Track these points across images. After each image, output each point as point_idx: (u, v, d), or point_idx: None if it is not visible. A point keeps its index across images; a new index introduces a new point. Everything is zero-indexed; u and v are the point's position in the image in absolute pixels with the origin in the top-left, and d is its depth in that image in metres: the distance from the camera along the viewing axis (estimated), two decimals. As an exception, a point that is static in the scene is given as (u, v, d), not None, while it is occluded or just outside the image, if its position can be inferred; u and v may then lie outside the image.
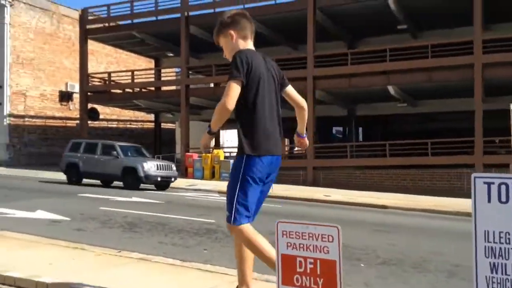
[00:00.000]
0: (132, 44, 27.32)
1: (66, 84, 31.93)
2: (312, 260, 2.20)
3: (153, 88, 26.27)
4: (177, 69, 37.01)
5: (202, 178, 21.81)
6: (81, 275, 4.50)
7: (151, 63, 36.94)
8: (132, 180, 17.54)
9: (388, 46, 18.73)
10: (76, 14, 33.01)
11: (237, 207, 2.98)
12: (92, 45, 29.39)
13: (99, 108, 29.59)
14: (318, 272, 2.19)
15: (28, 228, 8.53)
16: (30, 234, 7.94)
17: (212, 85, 23.63)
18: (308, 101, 20.09)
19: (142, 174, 17.36)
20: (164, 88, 27.29)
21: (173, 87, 25.88)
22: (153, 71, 27.98)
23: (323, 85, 20.18)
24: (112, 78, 27.11)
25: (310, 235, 2.20)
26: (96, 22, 26.12)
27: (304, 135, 3.51)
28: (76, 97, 31.17)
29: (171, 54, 27.69)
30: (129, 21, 24.54)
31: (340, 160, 18.36)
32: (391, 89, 19.08)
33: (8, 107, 28.96)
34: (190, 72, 23.40)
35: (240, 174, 3.00)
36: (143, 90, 26.46)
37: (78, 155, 19.08)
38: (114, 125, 35.79)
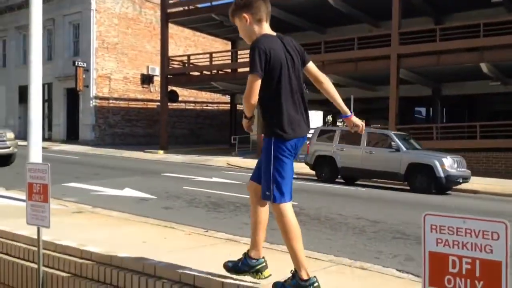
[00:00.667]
0: (210, 27, 27.52)
1: (147, 67, 32.96)
2: (469, 260, 1.95)
3: (229, 70, 26.40)
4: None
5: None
6: (176, 255, 4.45)
7: (227, 45, 37.22)
8: (425, 181, 13.38)
9: (482, 21, 17.35)
10: (156, -1, 33.88)
11: (275, 186, 3.07)
12: (171, 28, 29.99)
13: (177, 90, 30.30)
14: (477, 274, 1.93)
15: (119, 205, 8.84)
16: (122, 212, 8.24)
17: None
18: (391, 80, 19.52)
19: (441, 174, 13.10)
20: (240, 69, 27.32)
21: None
22: (229, 53, 28.11)
23: (408, 63, 19.18)
24: (191, 61, 27.54)
25: (468, 231, 1.95)
26: (176, 6, 26.52)
27: (349, 113, 3.47)
28: (157, 79, 32.13)
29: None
30: (208, 4, 24.66)
31: (426, 142, 17.40)
32: (483, 66, 17.74)
33: (94, 90, 30.41)
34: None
35: (272, 155, 3.07)
36: (220, 72, 26.66)
37: (333, 145, 15.17)
38: (191, 106, 36.61)
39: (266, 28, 3.16)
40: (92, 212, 8.07)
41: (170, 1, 26.19)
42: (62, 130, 32.24)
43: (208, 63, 25.90)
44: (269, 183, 3.09)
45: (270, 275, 3.32)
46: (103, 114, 31.05)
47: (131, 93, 32.62)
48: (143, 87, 33.35)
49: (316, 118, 51.82)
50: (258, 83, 2.97)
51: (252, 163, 20.81)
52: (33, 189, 3.70)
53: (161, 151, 26.17)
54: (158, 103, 31.56)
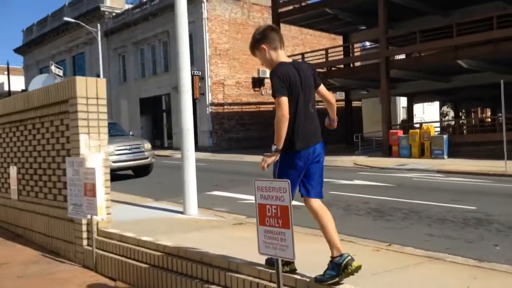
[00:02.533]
0: (322, 22, 26.68)
1: (258, 70, 32.91)
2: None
3: (342, 66, 25.34)
4: (365, 43, 35.52)
5: (410, 156, 20.18)
6: (386, 278, 3.69)
7: (335, 41, 36.07)
8: None
9: None
10: (263, 1, 33.79)
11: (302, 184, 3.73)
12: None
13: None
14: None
15: None
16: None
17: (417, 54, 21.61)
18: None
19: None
20: (357, 64, 26.13)
21: (367, 62, 24.61)
22: (341, 48, 27.06)
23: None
24: (305, 60, 26.88)
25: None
26: (288, 5, 26.04)
27: (334, 120, 4.10)
28: (267, 82, 31.98)
29: (363, 27, 26.35)
30: (321, -2, 23.90)
31: None
32: None
33: (210, 97, 30.98)
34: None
35: (277, 167, 3.55)
36: (333, 68, 25.70)
37: None
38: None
39: (281, 55, 3.61)
40: (252, 223, 7.64)
41: (281, 0, 25.73)
42: (181, 137, 33.27)
43: (321, 61, 25.03)
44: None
45: (360, 265, 3.38)
46: (218, 120, 31.55)
47: (244, 97, 32.82)
48: (254, 91, 33.42)
49: (430, 109, 48.71)
50: (287, 101, 3.38)
51: (380, 162, 19.67)
52: (266, 211, 3.11)
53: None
54: (271, 106, 31.40)
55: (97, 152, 5.29)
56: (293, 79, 3.45)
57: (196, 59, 31.26)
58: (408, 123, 28.23)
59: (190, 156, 7.93)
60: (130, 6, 38.77)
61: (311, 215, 3.75)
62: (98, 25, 33.62)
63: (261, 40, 3.59)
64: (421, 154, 20.11)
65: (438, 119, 44.11)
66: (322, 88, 3.85)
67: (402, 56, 24.77)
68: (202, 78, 30.46)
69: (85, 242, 5.21)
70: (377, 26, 24.98)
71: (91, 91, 5.25)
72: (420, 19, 23.58)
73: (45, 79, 13.74)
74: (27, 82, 51.56)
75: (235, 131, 32.43)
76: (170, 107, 33.85)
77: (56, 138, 5.88)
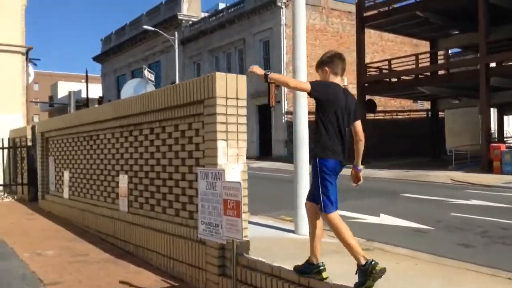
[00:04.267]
0: (410, 26, 25.08)
1: (338, 77, 31.69)
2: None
3: (429, 73, 23.62)
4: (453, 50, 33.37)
5: (515, 172, 18.23)
6: None
7: (417, 48, 34.16)
8: None
9: None
10: (343, 6, 32.64)
11: (324, 199, 3.85)
12: (355, 36, 28.41)
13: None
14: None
15: (395, 238, 7.27)
16: (411, 249, 6.63)
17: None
18: None
19: None
20: (452, 70, 24.30)
21: (457, 70, 22.77)
22: (427, 55, 25.34)
23: None
24: (387, 66, 25.44)
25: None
26: (374, 8, 24.73)
27: (359, 168, 4.30)
28: (347, 88, 30.77)
29: (456, 32, 24.52)
30: (412, 1, 22.36)
31: None
32: None
33: (286, 105, 30.14)
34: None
35: (319, 174, 3.85)
36: (421, 76, 24.04)
37: None
38: (380, 116, 34.29)
39: (338, 81, 4.01)
40: (380, 249, 6.60)
41: (367, 4, 24.48)
42: (256, 146, 32.67)
43: (411, 67, 23.46)
44: (319, 197, 3.87)
45: (328, 277, 3.95)
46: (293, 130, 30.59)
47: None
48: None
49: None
50: (306, 88, 3.85)
51: (482, 178, 17.87)
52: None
53: (361, 166, 24.46)
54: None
55: (235, 163, 4.46)
56: (336, 97, 3.85)
57: (273, 66, 30.56)
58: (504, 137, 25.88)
59: (305, 167, 7.09)
60: (207, 14, 38.90)
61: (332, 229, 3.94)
62: (176, 33, 33.83)
63: (327, 63, 4.02)
64: (528, 170, 18.10)
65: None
66: (358, 123, 4.09)
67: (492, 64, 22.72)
68: (278, 86, 29.68)
69: (219, 270, 4.37)
70: (472, 31, 23.17)
71: (231, 90, 4.44)
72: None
73: (137, 84, 13.41)
74: (104, 89, 53.25)
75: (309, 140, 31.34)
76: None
77: (181, 145, 5.13)
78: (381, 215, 9.52)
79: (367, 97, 25.69)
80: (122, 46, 47.68)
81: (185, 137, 5.06)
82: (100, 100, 51.26)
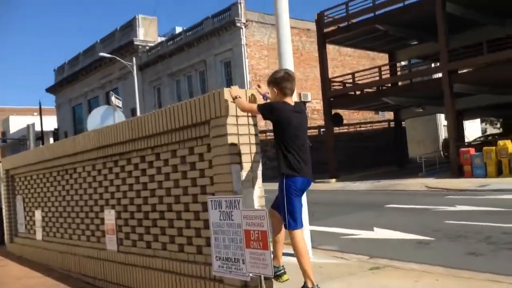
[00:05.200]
0: (369, 40, 25.45)
1: (299, 94, 31.75)
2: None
3: (404, 82, 23.93)
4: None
5: (485, 176, 18.45)
6: None
7: (374, 61, 34.83)
8: None
9: None
10: (301, 24, 32.89)
11: (288, 218, 4.08)
12: (315, 51, 28.62)
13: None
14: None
15: (397, 252, 6.99)
16: (421, 263, 6.33)
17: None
18: None
19: None
20: (396, 83, 24.76)
21: (424, 78, 23.20)
22: (388, 67, 25.77)
23: None
24: (354, 80, 25.66)
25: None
26: (333, 24, 24.95)
27: None
28: (309, 105, 30.89)
29: (414, 42, 25.03)
30: (370, 15, 22.67)
31: None
32: None
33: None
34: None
35: (284, 192, 4.07)
36: (385, 87, 24.36)
37: None
38: (344, 129, 34.54)
39: (288, 100, 4.21)
40: (389, 266, 6.24)
41: (326, 20, 24.68)
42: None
43: (374, 79, 23.72)
44: (284, 215, 4.10)
45: (288, 279, 4.27)
46: (262, 148, 30.10)
47: (266, 124, 31.61)
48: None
49: (470, 126, 46.63)
50: (252, 109, 4.04)
51: (455, 183, 17.99)
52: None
53: (333, 180, 24.46)
54: (317, 129, 30.18)
55: (251, 187, 3.99)
56: (287, 115, 4.03)
57: (236, 85, 30.25)
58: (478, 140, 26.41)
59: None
60: (164, 38, 38.35)
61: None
62: (134, 58, 33.09)
63: (275, 84, 4.19)
64: (498, 173, 18.38)
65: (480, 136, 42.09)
66: None
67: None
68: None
69: (244, 313, 3.85)
70: (429, 40, 23.71)
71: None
72: (476, 31, 22.21)
73: (104, 112, 12.68)
74: (59, 121, 51.44)
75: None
76: (210, 137, 32.74)
77: (181, 172, 4.61)
78: (375, 229, 9.20)
79: (333, 111, 25.74)
80: (77, 75, 46.32)
81: (185, 163, 4.55)
82: (55, 132, 49.47)
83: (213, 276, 4.12)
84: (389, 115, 35.37)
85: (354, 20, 24.14)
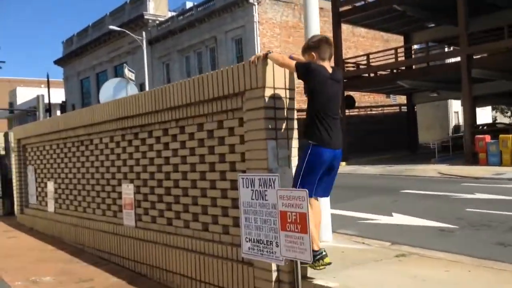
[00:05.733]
0: (385, 21, 24.87)
1: (311, 74, 31.29)
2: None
3: (420, 65, 23.40)
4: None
5: (500, 164, 18.12)
6: None
7: (388, 43, 34.21)
8: None
9: None
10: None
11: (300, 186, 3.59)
12: (328, 31, 28.06)
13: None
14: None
15: (420, 239, 6.72)
16: (447, 252, 6.07)
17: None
18: None
19: None
20: (411, 66, 24.20)
21: (437, 62, 22.69)
22: (402, 49, 25.21)
23: None
24: (364, 61, 25.15)
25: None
26: (349, 3, 24.36)
27: None
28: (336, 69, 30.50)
29: (431, 25, 24.41)
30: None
31: None
32: None
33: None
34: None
35: (305, 160, 3.61)
36: (400, 69, 23.86)
37: None
38: (355, 112, 34.12)
39: (326, 65, 3.83)
40: (415, 253, 6.00)
41: (342, -1, 24.08)
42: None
43: (390, 61, 23.23)
44: (296, 180, 3.65)
45: (330, 262, 3.87)
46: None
47: (296, 103, 31.17)
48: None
49: (481, 114, 46.16)
50: (290, 64, 3.73)
51: (470, 171, 17.68)
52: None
53: (343, 163, 24.18)
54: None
55: (286, 166, 3.72)
56: (323, 80, 3.69)
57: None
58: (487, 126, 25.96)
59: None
60: (174, 13, 37.77)
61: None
62: (143, 32, 32.62)
63: (313, 48, 3.83)
64: (514, 161, 18.04)
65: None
66: None
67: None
68: (253, 85, 29.00)
69: (276, 298, 3.62)
70: (446, 23, 23.13)
71: (279, 78, 3.71)
72: (494, 15, 21.60)
73: (117, 84, 12.40)
74: (67, 94, 51.21)
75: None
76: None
77: (208, 147, 4.34)
78: (394, 214, 8.96)
79: (346, 93, 25.32)
80: (85, 48, 45.90)
81: (213, 138, 4.28)
82: (62, 105, 49.23)
83: (241, 258, 3.89)
84: (400, 99, 34.89)
85: (370, 0, 23.56)
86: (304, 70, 3.65)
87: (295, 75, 3.76)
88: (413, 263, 5.64)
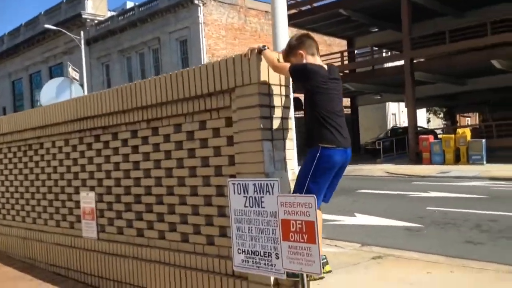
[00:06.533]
0: (331, 25, 25.22)
1: (257, 77, 31.21)
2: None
3: (347, 71, 23.85)
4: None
5: (443, 163, 18.78)
6: None
7: (330, 47, 34.86)
8: None
9: None
10: (260, 6, 32.19)
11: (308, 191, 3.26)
12: (268, 35, 28.14)
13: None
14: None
15: (390, 240, 6.67)
16: (419, 252, 6.04)
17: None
18: None
19: None
20: (354, 69, 24.74)
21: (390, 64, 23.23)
22: (346, 54, 25.71)
23: None
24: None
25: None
26: (296, 7, 24.46)
27: None
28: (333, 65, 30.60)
29: (375, 30, 25.02)
30: None
31: None
32: None
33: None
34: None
35: (314, 164, 3.30)
36: (345, 72, 24.28)
37: None
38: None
39: (318, 61, 3.58)
40: (389, 255, 5.89)
41: (289, 2, 24.11)
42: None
43: (336, 64, 23.52)
44: (301, 187, 3.30)
45: (330, 270, 3.66)
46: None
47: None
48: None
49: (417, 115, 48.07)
50: (284, 69, 3.34)
51: (416, 170, 18.16)
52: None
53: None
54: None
55: (282, 170, 3.40)
56: (324, 79, 3.39)
57: (192, 65, 29.21)
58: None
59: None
60: (114, 13, 36.45)
61: None
62: (82, 32, 31.19)
63: (298, 46, 3.53)
64: (456, 161, 18.75)
65: (425, 125, 43.44)
66: None
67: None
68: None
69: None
70: (390, 28, 23.77)
71: (273, 74, 3.38)
72: (435, 21, 22.46)
73: (60, 84, 11.58)
74: (-4, 96, 48.09)
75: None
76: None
77: (188, 150, 3.93)
78: (356, 214, 8.89)
79: (293, 95, 25.36)
80: (18, 48, 43.36)
81: (194, 140, 3.88)
82: (-7, 108, 46.23)
83: (231, 271, 3.52)
84: (345, 102, 35.66)
85: (316, 4, 23.77)
86: (300, 74, 3.33)
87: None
88: (391, 265, 5.50)
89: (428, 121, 51.18)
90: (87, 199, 5.08)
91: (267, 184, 3.18)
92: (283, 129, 3.41)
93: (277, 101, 3.37)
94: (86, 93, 21.44)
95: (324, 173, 3.32)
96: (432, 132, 25.26)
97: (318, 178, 3.28)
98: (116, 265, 4.62)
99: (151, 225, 4.35)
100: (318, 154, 3.29)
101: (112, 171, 4.77)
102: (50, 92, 11.31)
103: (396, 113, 48.49)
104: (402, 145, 23.73)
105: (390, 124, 45.24)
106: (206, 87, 3.63)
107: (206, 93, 3.65)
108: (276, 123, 3.36)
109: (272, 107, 3.33)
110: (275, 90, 3.37)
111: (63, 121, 5.31)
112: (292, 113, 3.56)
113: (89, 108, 4.88)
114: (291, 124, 3.51)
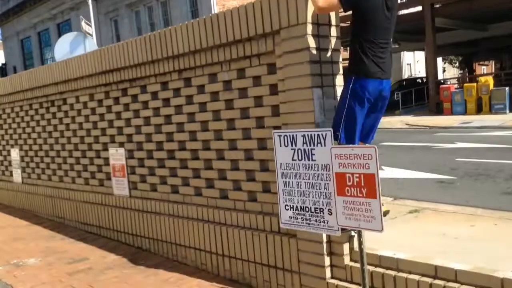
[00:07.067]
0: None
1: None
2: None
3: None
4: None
5: (465, 113, 18.32)
6: None
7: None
8: None
9: None
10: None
11: (342, 135, 3.08)
12: None
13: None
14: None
15: (423, 193, 6.43)
16: (456, 205, 5.80)
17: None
18: None
19: None
20: None
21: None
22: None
23: None
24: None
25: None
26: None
27: None
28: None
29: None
30: None
31: None
32: None
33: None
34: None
35: (348, 97, 3.03)
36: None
37: None
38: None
39: None
40: (426, 209, 5.68)
41: None
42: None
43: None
44: (338, 128, 3.06)
45: (388, 210, 3.80)
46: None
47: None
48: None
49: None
50: (330, 2, 2.90)
51: (437, 121, 17.77)
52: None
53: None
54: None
55: (332, 120, 3.14)
56: (376, 3, 3.02)
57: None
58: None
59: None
60: (121, -36, 35.32)
61: None
62: (89, -14, 30.33)
63: None
64: (478, 110, 18.27)
65: (440, 75, 42.49)
66: None
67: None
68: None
69: (328, 274, 3.11)
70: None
71: (322, 15, 3.05)
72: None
73: (74, 39, 11.27)
74: (7, 55, 47.70)
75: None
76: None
77: (224, 102, 3.68)
78: (384, 167, 8.65)
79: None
80: (24, 5, 42.51)
81: (231, 90, 3.62)
82: (3, 67, 45.98)
83: (276, 228, 3.34)
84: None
85: None
86: None
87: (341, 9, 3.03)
88: (430, 219, 5.29)
89: (444, 70, 50.05)
90: (117, 156, 4.90)
91: (318, 135, 2.93)
92: (333, 74, 3.12)
93: (327, 43, 3.07)
94: (97, 49, 20.88)
95: (358, 106, 3.05)
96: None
97: (351, 112, 3.03)
98: (150, 222, 4.49)
99: (186, 181, 4.16)
100: (350, 84, 3.03)
101: (142, 126, 4.55)
102: (64, 48, 11.02)
103: (412, 63, 47.39)
104: (421, 96, 23.23)
105: (406, 75, 44.40)
106: (246, 30, 3.32)
107: (245, 38, 3.35)
108: (326, 68, 3.07)
109: (321, 50, 3.03)
110: (324, 30, 3.05)
111: (87, 74, 5.06)
112: (340, 57, 3.24)
113: (115, 60, 4.61)
114: (341, 68, 3.21)
